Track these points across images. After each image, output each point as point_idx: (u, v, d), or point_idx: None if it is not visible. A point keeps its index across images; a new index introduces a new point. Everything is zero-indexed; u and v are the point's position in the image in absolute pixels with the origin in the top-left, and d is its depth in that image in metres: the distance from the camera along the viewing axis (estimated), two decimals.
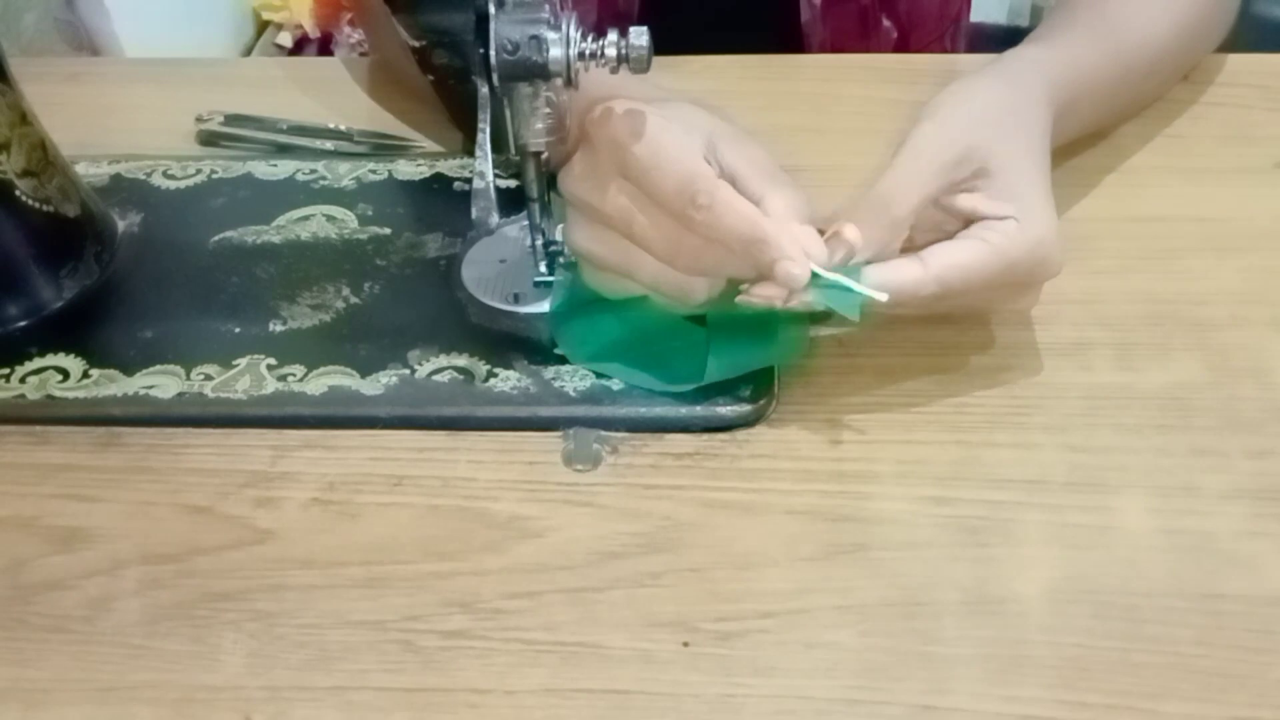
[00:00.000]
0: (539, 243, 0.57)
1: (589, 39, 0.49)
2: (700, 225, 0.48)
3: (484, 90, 0.50)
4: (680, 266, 0.50)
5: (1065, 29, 0.62)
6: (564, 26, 0.48)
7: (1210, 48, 0.71)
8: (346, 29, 1.70)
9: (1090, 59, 0.60)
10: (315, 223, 0.64)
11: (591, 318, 0.55)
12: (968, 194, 0.51)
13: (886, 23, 0.85)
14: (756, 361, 0.54)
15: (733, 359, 0.53)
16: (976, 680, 0.44)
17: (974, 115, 0.52)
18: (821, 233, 0.49)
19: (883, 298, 0.48)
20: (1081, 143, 0.67)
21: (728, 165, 0.50)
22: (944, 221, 0.52)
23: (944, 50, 0.88)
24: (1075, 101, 0.58)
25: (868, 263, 0.49)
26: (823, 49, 0.84)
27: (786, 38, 0.84)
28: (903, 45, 0.86)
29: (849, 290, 0.48)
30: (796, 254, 0.48)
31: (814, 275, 0.48)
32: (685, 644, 0.46)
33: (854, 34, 0.84)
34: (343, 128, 0.71)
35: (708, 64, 0.74)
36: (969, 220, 0.51)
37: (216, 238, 0.63)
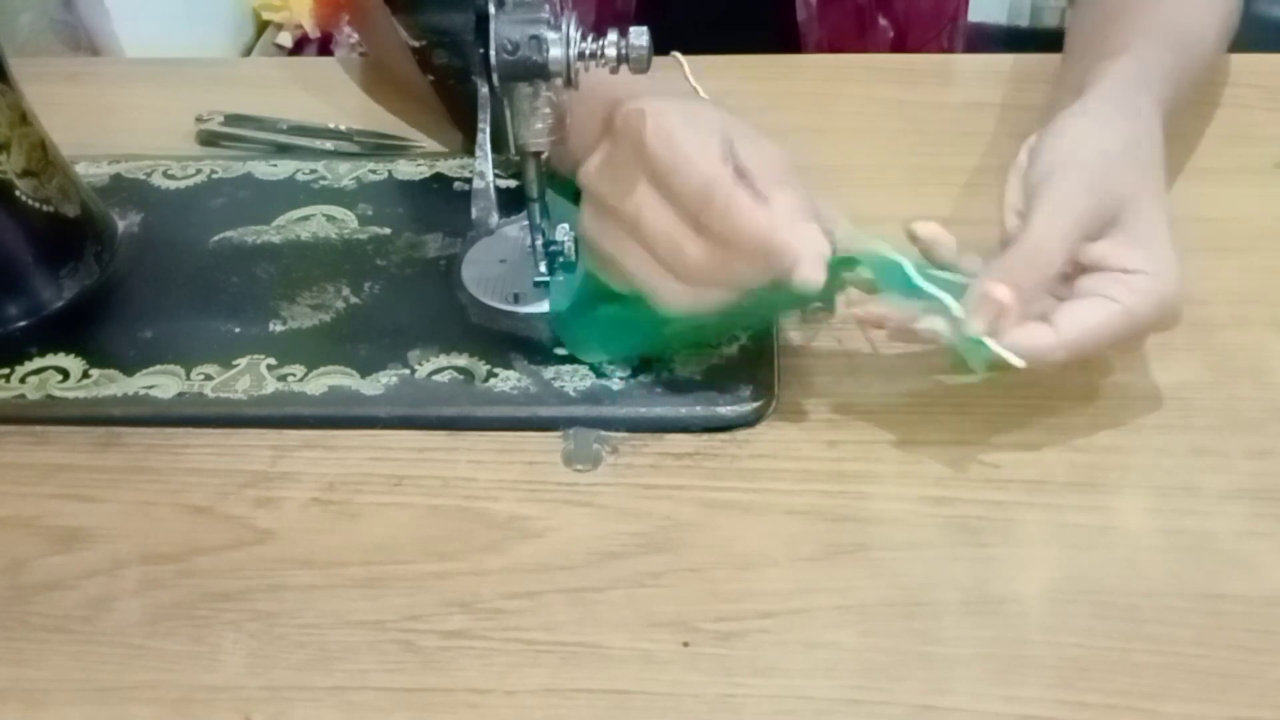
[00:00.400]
0: (539, 243, 0.57)
1: (589, 39, 0.49)
2: (716, 229, 0.47)
3: (484, 90, 0.50)
4: (681, 272, 0.49)
5: (1140, 36, 0.59)
6: (564, 26, 0.48)
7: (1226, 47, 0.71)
8: (346, 29, 1.70)
9: (1174, 66, 0.58)
10: (315, 223, 0.64)
11: (593, 311, 0.55)
12: (1094, 242, 0.50)
13: (883, 22, 0.85)
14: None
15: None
16: (976, 680, 0.44)
17: (1106, 157, 0.50)
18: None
19: (1019, 363, 0.48)
20: None
21: (741, 164, 0.49)
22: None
23: (941, 49, 0.88)
24: (1170, 116, 0.56)
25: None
26: (819, 48, 0.84)
27: (783, 37, 0.84)
28: (899, 44, 0.86)
29: (982, 344, 0.48)
30: (811, 256, 0.47)
31: (957, 321, 0.48)
32: (685, 644, 0.46)
33: (850, 33, 0.84)
34: (343, 128, 0.71)
35: (708, 64, 0.74)
36: (1089, 268, 0.50)
37: (216, 238, 0.63)
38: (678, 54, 0.70)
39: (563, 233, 0.59)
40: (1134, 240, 0.49)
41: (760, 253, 0.47)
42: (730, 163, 0.48)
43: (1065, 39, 0.69)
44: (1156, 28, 0.61)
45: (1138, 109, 0.54)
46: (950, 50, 0.89)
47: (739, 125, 0.50)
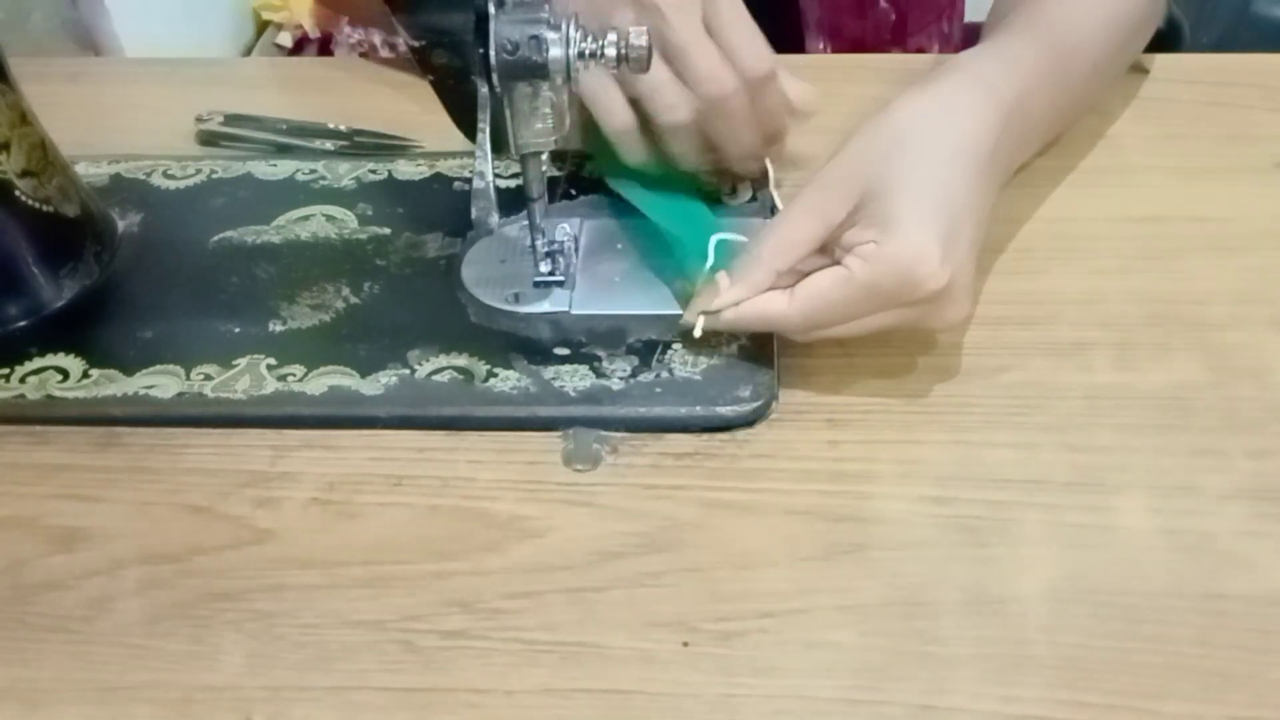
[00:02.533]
0: (539, 243, 0.57)
1: (589, 39, 0.49)
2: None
3: (484, 90, 0.50)
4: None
5: (1002, 31, 0.61)
6: (564, 26, 0.49)
7: (1141, 48, 0.70)
8: (346, 29, 1.70)
9: (1030, 59, 0.59)
10: (315, 223, 0.64)
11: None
12: (849, 230, 0.52)
13: (884, 4, 0.85)
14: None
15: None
16: (976, 680, 0.44)
17: (874, 144, 0.53)
18: None
19: (696, 331, 0.54)
20: (1082, 142, 0.67)
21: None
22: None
23: (942, 33, 0.88)
24: (1021, 101, 0.57)
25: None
26: (820, 29, 0.84)
27: (784, 19, 0.83)
28: (900, 26, 0.86)
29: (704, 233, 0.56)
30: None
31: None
32: (685, 644, 0.46)
33: (851, 13, 0.84)
34: (343, 128, 0.71)
35: None
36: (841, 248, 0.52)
37: (216, 238, 0.63)
38: None
39: (563, 233, 0.59)
40: (877, 216, 0.51)
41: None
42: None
43: None
44: (1019, 25, 0.61)
45: (957, 91, 0.55)
46: (949, 37, 0.89)
47: None
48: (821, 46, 0.85)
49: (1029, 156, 0.63)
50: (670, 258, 0.58)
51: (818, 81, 0.60)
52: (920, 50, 0.86)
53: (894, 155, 0.52)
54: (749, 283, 0.53)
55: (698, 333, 0.54)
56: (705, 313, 0.54)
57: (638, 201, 0.60)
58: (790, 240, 0.52)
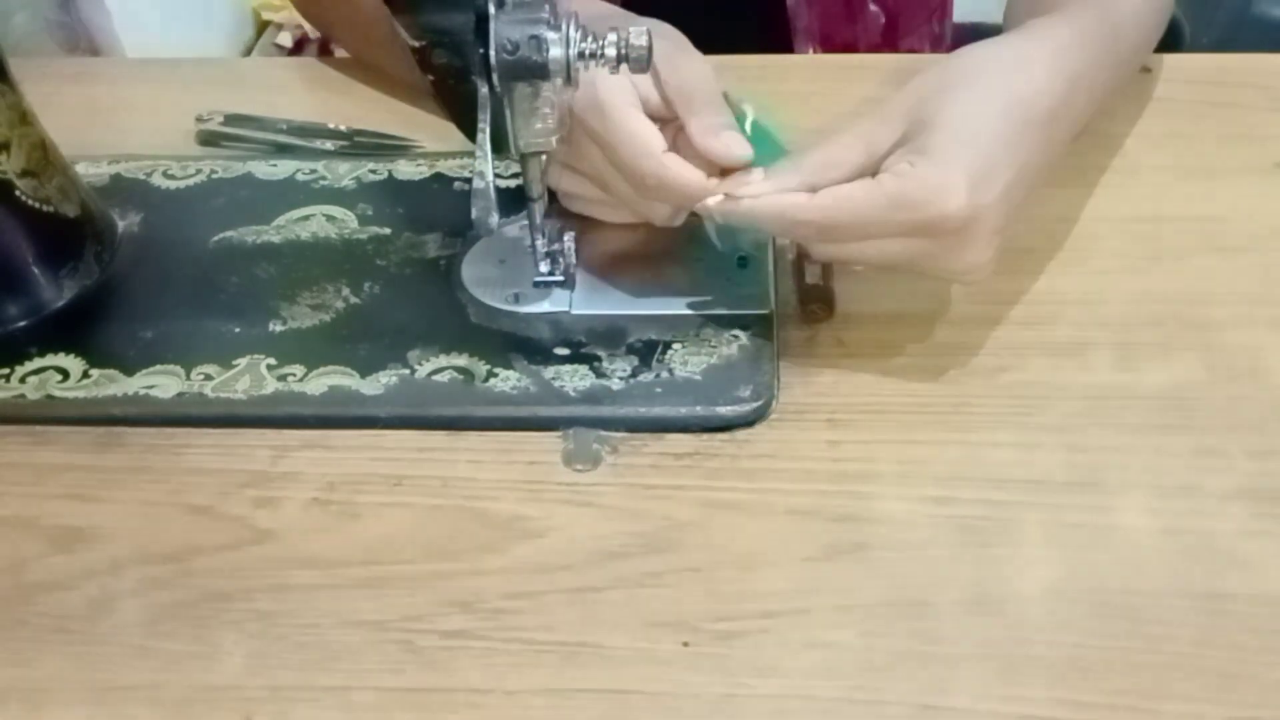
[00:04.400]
0: (539, 243, 0.57)
1: (589, 39, 0.49)
2: (651, 190, 0.54)
3: (484, 90, 0.50)
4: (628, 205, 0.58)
5: (1063, 4, 0.61)
6: (564, 26, 0.48)
7: (1157, 41, 0.70)
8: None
9: (1095, 36, 0.59)
10: (315, 223, 0.64)
11: None
12: (893, 156, 0.52)
13: (874, 8, 0.85)
14: None
15: None
16: (976, 680, 0.44)
17: (933, 80, 0.53)
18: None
19: (716, 218, 0.54)
20: (1083, 142, 0.67)
21: (664, 94, 0.54)
22: None
23: (933, 35, 0.88)
24: (1087, 73, 0.57)
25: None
26: (809, 34, 0.83)
27: (773, 24, 0.83)
28: (891, 29, 0.86)
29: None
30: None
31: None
32: (685, 644, 0.46)
33: (840, 18, 0.84)
34: (343, 128, 0.71)
35: None
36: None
37: (216, 238, 0.63)
38: None
39: (563, 233, 0.59)
40: (924, 144, 0.50)
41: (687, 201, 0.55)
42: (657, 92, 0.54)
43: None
44: (1083, 2, 0.61)
45: (1025, 47, 0.55)
46: (941, 37, 0.89)
47: (660, 46, 0.53)
48: (811, 52, 0.85)
49: (1079, 130, 0.62)
50: None
51: (810, 82, 0.60)
52: (912, 52, 0.86)
53: (949, 92, 0.52)
54: (778, 184, 0.52)
55: (716, 217, 0.54)
56: (728, 195, 0.53)
57: None
58: (831, 160, 0.52)
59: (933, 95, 0.52)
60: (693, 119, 0.54)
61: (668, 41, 0.55)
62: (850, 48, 0.85)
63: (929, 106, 0.51)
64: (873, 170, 0.52)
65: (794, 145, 0.61)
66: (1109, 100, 0.65)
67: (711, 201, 0.53)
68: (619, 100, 0.54)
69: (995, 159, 0.51)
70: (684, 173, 0.53)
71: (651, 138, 0.54)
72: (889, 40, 0.86)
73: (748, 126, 0.55)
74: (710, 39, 0.58)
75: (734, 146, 0.53)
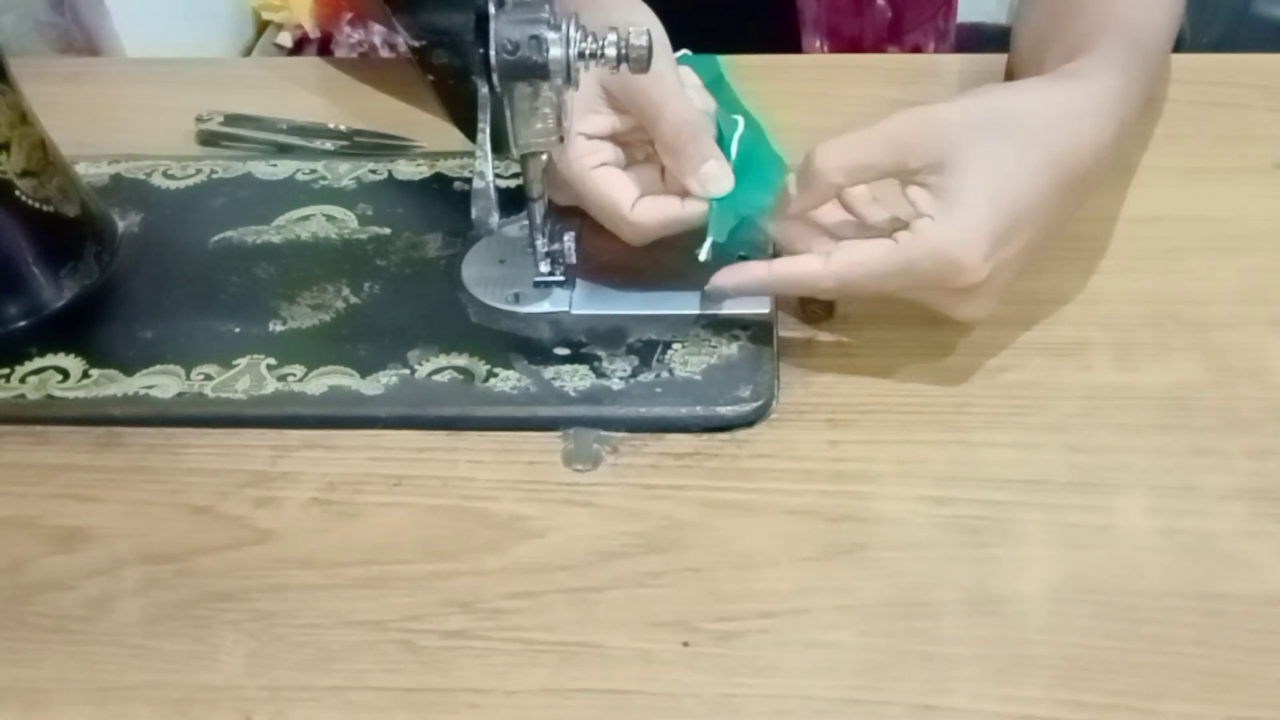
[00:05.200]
0: (539, 243, 0.57)
1: (589, 39, 0.49)
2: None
3: (484, 90, 0.50)
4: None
5: (1109, 40, 0.58)
6: (564, 26, 0.48)
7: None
8: (346, 29, 1.70)
9: (1139, 76, 0.57)
10: (315, 223, 0.64)
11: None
12: (917, 188, 0.51)
13: (881, 2, 0.85)
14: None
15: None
16: (976, 680, 0.44)
17: (965, 111, 0.51)
18: None
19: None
20: None
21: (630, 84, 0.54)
22: (867, 216, 0.54)
23: (938, 31, 0.88)
24: (1131, 121, 0.56)
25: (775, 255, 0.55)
26: (817, 27, 0.83)
27: (781, 18, 0.83)
28: (897, 23, 0.86)
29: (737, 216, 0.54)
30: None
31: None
32: (685, 644, 0.46)
33: (848, 11, 0.84)
34: (343, 128, 0.71)
35: None
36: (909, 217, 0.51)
37: (216, 238, 0.63)
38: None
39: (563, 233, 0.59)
40: (944, 192, 0.50)
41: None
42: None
43: (1012, 38, 0.69)
44: (1111, 31, 0.59)
45: (1084, 110, 0.53)
46: (945, 34, 0.89)
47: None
48: (818, 45, 0.85)
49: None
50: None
51: (816, 81, 0.60)
52: (917, 48, 0.85)
53: (992, 135, 0.50)
54: (807, 195, 0.52)
55: (730, 291, 0.55)
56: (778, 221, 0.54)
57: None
58: (864, 165, 0.51)
59: (976, 133, 0.50)
60: (671, 159, 0.54)
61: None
62: (856, 40, 0.85)
63: (968, 142, 0.50)
64: (899, 176, 0.51)
65: (794, 146, 0.61)
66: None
67: (726, 283, 0.54)
68: (579, 167, 0.55)
69: (1019, 219, 0.50)
70: (655, 217, 0.55)
71: (620, 197, 0.55)
72: (894, 34, 0.86)
73: (736, 138, 0.55)
74: (718, 31, 0.58)
75: (709, 184, 0.54)
